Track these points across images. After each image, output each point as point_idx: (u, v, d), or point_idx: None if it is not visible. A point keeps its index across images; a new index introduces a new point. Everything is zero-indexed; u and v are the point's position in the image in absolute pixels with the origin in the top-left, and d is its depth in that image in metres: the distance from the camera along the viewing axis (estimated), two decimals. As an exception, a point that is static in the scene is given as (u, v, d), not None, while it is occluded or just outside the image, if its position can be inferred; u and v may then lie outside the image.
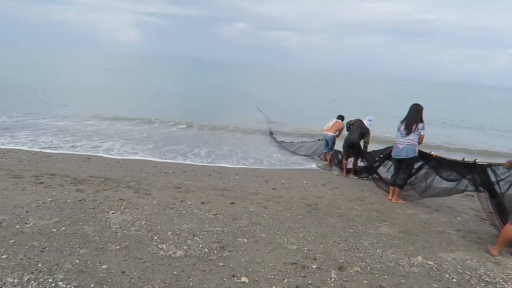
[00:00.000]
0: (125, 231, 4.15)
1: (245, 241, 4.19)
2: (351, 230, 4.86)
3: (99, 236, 3.96)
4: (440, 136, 17.96)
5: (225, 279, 3.28)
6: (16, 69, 39.67)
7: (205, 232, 4.33)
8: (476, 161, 5.34)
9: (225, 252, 3.84)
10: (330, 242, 4.38)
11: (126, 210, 4.85)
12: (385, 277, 3.57)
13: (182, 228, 4.39)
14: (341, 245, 4.32)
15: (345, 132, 9.39)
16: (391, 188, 6.72)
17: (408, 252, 4.28)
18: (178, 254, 3.70)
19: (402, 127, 6.42)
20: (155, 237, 4.06)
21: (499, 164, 4.82)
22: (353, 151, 8.81)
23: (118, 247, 3.75)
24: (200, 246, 3.94)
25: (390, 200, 6.60)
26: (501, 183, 4.75)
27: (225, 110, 22.09)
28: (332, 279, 3.43)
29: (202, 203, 5.51)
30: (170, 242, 3.98)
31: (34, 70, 40.81)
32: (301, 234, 4.55)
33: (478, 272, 3.87)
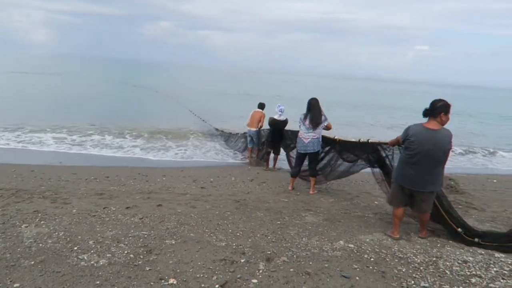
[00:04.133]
0: (40, 245, 3.85)
1: (173, 242, 4.12)
2: (279, 222, 5.00)
3: (10, 253, 3.63)
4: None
5: (152, 283, 3.20)
6: None
7: (130, 238, 4.17)
8: (369, 140, 5.72)
9: (152, 255, 3.74)
10: (258, 235, 4.48)
11: (42, 222, 4.51)
12: (310, 263, 3.74)
13: (105, 236, 4.19)
14: (269, 237, 4.43)
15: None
16: (292, 180, 6.97)
17: (331, 238, 4.52)
18: (101, 263, 3.53)
19: (307, 121, 6.51)
20: (75, 248, 3.82)
21: (385, 143, 5.25)
22: (276, 146, 8.90)
23: (32, 262, 3.47)
24: (125, 252, 3.79)
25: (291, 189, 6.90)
26: (390, 157, 5.21)
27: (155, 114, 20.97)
28: (260, 271, 3.52)
29: (127, 208, 5.31)
30: (92, 251, 3.77)
31: None
32: (230, 230, 4.59)
33: (393, 250, 4.21)
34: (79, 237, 4.12)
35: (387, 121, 23.54)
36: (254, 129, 9.92)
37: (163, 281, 3.25)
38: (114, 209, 5.21)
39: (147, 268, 3.46)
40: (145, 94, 31.07)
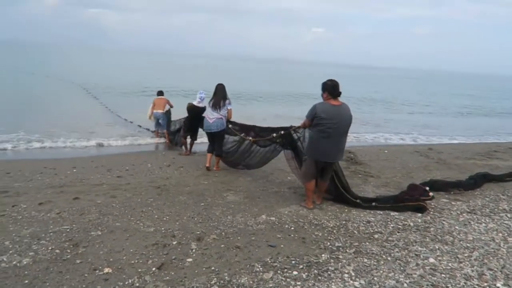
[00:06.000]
0: None
1: (100, 233, 4.07)
2: (202, 204, 5.19)
3: None
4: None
5: (86, 275, 3.19)
6: None
7: (51, 233, 4.02)
8: (281, 133, 6.03)
9: (79, 248, 3.68)
10: (185, 218, 4.62)
11: None
12: (239, 238, 4.03)
13: (22, 235, 3.97)
14: (195, 218, 4.61)
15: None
16: (209, 155, 7.37)
17: (254, 213, 4.86)
18: (25, 262, 3.38)
19: (211, 104, 7.09)
20: (-10, 251, 3.58)
21: (298, 127, 5.68)
22: (194, 132, 8.89)
23: None
24: (50, 248, 3.67)
25: (208, 168, 7.23)
26: (301, 139, 5.66)
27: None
28: (194, 250, 3.70)
29: (40, 204, 5.02)
30: (11, 252, 3.58)
31: None
32: (156, 216, 4.66)
33: (309, 218, 4.70)
34: (-8, 239, 3.85)
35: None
36: (160, 111, 10.27)
37: (97, 271, 3.25)
38: (25, 206, 4.89)
39: (78, 261, 3.42)
40: (29, 80, 27.93)
